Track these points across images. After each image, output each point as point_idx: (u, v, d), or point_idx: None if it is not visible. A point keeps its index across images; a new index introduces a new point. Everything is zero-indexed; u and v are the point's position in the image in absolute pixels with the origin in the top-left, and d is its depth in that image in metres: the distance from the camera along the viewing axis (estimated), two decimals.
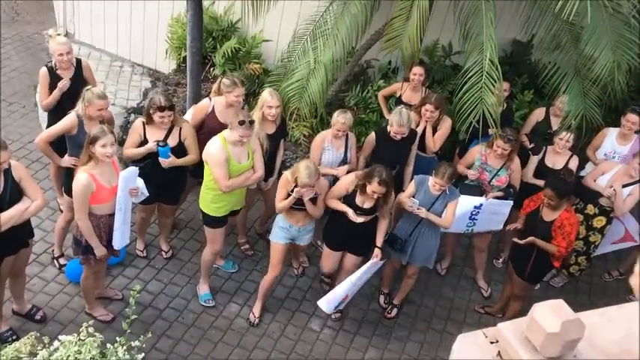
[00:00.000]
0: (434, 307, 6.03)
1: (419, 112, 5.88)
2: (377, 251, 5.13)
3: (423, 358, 5.44)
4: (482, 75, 5.19)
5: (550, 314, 1.43)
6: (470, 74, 5.29)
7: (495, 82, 5.18)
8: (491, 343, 1.52)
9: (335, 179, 5.53)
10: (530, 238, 5.15)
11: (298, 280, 6.04)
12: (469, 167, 5.77)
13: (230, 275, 5.89)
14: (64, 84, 5.45)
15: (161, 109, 5.02)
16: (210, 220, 5.21)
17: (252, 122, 4.87)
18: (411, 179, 5.72)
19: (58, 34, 5.71)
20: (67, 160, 5.10)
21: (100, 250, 4.66)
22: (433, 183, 5.10)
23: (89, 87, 5.05)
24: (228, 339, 5.31)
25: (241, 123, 4.76)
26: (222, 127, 5.21)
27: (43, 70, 5.57)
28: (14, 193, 4.31)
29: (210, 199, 5.09)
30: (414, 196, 5.22)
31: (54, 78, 5.51)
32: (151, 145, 5.09)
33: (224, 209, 5.18)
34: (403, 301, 5.89)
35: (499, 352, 1.54)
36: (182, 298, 5.60)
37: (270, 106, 5.28)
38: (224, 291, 5.74)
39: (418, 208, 5.11)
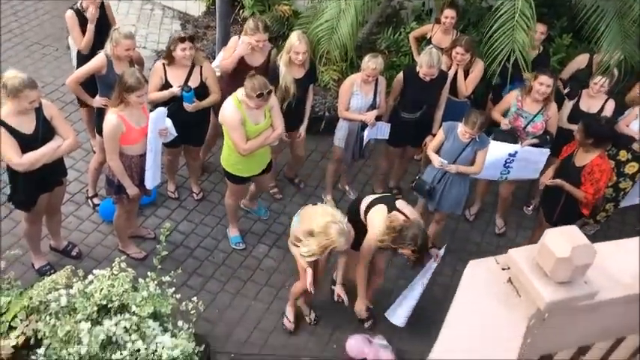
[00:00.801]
0: (460, 252, 6.03)
1: (450, 55, 5.74)
2: (434, 251, 4.85)
3: (449, 300, 5.47)
4: (515, 13, 5.01)
5: (561, 239, 1.42)
6: (502, 12, 5.12)
7: (529, 20, 5.01)
8: (503, 269, 1.51)
9: (363, 125, 5.49)
10: (559, 181, 5.09)
11: None
12: (504, 114, 5.65)
13: (259, 217, 5.97)
14: (92, 14, 5.43)
15: (182, 39, 5.02)
16: (233, 178, 5.18)
17: (269, 93, 4.72)
18: (441, 124, 5.67)
19: None
20: (97, 101, 5.19)
21: (132, 190, 4.77)
22: (463, 131, 5.00)
23: (116, 27, 5.08)
24: (257, 278, 5.44)
25: (259, 96, 4.63)
26: (248, 68, 5.20)
27: (70, 12, 5.58)
28: (46, 131, 4.40)
29: (233, 161, 5.03)
30: (442, 144, 5.16)
31: (82, 19, 5.53)
32: (174, 90, 5.11)
33: (248, 171, 5.13)
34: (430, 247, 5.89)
35: (510, 278, 1.54)
36: (212, 238, 5.72)
37: (297, 52, 5.18)
38: (253, 232, 5.84)
39: (448, 166, 5.05)
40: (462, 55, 5.64)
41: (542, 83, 5.31)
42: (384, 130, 5.62)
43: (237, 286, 5.35)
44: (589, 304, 1.50)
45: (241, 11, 7.19)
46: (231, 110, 4.75)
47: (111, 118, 4.52)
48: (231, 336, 4.96)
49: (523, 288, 1.49)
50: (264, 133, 4.92)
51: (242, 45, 5.29)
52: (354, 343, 4.83)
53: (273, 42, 7.18)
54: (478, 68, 5.82)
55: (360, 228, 4.62)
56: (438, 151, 5.22)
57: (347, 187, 6.42)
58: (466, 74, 5.82)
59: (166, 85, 5.15)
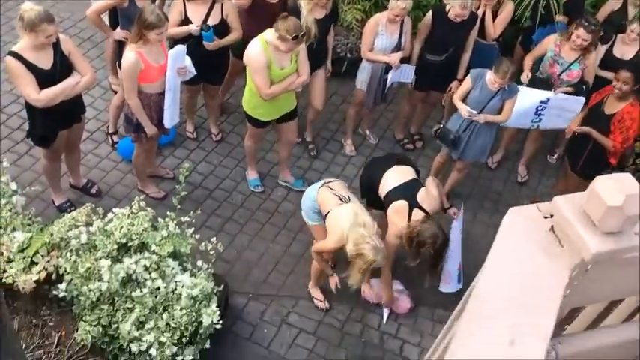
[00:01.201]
0: (482, 199, 5.96)
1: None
2: (453, 210, 4.75)
3: (469, 246, 5.42)
4: None
5: (613, 187, 1.34)
6: None
7: None
8: (545, 218, 1.43)
9: (387, 67, 5.33)
10: (586, 128, 4.95)
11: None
12: (540, 59, 5.43)
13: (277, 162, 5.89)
14: None
15: None
16: (253, 122, 5.07)
17: (304, 35, 4.52)
18: (468, 69, 5.49)
19: None
20: (118, 33, 5.08)
21: (150, 129, 4.71)
22: (492, 80, 4.81)
23: None
24: (275, 221, 5.42)
25: (295, 38, 4.43)
26: (266, 3, 5.08)
27: None
28: (64, 67, 4.33)
29: (254, 104, 4.90)
30: (469, 92, 4.99)
31: None
32: (194, 29, 4.97)
33: (268, 115, 5.00)
34: (449, 195, 5.82)
35: (552, 226, 1.46)
36: (231, 180, 5.69)
37: None
38: (272, 175, 5.78)
39: (476, 116, 4.91)
40: None
41: (579, 37, 5.07)
42: (408, 73, 5.46)
43: (256, 228, 5.34)
44: (633, 256, 1.42)
45: None
46: (258, 52, 4.57)
47: (129, 56, 4.42)
48: (249, 276, 4.99)
49: (567, 237, 1.41)
50: (289, 78, 4.76)
51: None
52: (371, 287, 4.82)
53: None
54: (507, 9, 5.58)
55: (374, 198, 4.61)
56: (464, 100, 5.05)
57: (367, 132, 6.31)
58: (494, 16, 5.58)
59: (186, 21, 5.02)
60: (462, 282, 4.90)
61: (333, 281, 4.58)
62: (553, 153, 6.43)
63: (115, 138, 5.69)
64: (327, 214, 4.30)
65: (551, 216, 1.43)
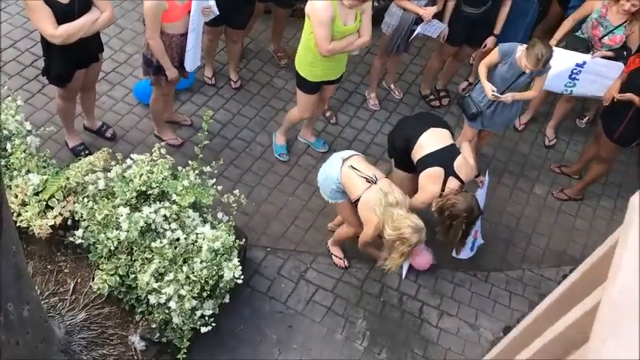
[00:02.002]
0: (507, 162, 5.77)
1: None
2: (479, 178, 4.59)
3: (492, 209, 5.27)
4: None
5: None
6: None
7: None
8: None
9: (417, 19, 5.06)
10: (630, 95, 4.70)
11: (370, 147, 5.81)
12: (583, 20, 5.11)
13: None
14: None
15: None
16: (304, 84, 4.71)
17: None
18: (504, 28, 5.23)
19: None
20: None
21: (171, 72, 4.49)
22: (524, 64, 4.37)
23: None
24: (295, 174, 5.25)
25: None
26: None
27: None
28: (83, 3, 4.07)
29: (309, 62, 4.55)
30: (497, 65, 4.61)
31: None
32: None
33: (322, 74, 4.66)
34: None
35: None
36: (250, 130, 5.49)
37: None
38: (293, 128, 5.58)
39: (502, 97, 4.55)
40: None
41: (629, 0, 4.74)
42: (437, 29, 5.17)
43: (275, 180, 5.17)
44: None
45: None
46: (325, 4, 4.20)
47: None
48: (268, 230, 4.85)
49: None
50: (349, 37, 4.42)
51: None
52: None
53: None
54: None
55: (406, 160, 4.40)
56: (490, 73, 4.68)
57: (392, 86, 6.07)
58: None
59: None
60: (475, 249, 4.78)
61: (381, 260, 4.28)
62: (583, 117, 6.20)
63: None
64: (356, 200, 4.08)
65: None
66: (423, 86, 6.06)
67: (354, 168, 4.11)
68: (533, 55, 4.28)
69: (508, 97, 4.58)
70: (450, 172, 4.15)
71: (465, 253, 4.73)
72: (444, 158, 4.19)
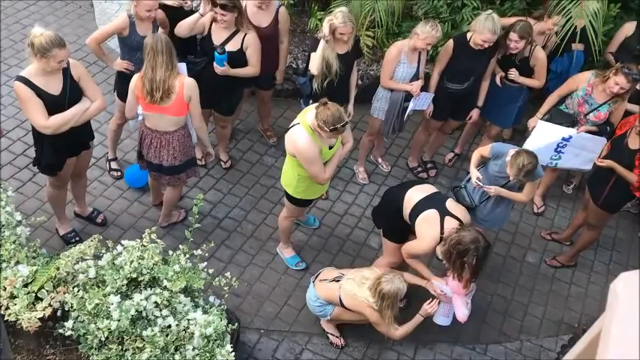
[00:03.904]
0: (497, 231, 5.77)
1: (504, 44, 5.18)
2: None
3: (484, 281, 5.26)
4: None
5: None
6: None
7: None
8: None
9: (407, 95, 5.20)
10: (610, 162, 4.78)
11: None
12: (569, 95, 5.22)
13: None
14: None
15: (214, 4, 4.75)
16: (298, 202, 4.67)
17: (345, 125, 4.06)
18: (495, 110, 5.35)
19: None
20: (118, 64, 4.89)
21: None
22: (508, 172, 4.30)
23: None
24: None
25: (333, 130, 4.01)
26: (258, 31, 5.01)
27: None
28: (74, 92, 4.18)
29: (305, 188, 4.50)
30: (487, 163, 4.60)
31: None
32: (202, 19, 4.86)
33: (320, 190, 4.70)
34: None
35: None
36: (241, 208, 5.51)
37: (342, 33, 4.76)
38: (283, 204, 5.60)
39: (487, 187, 4.47)
40: (516, 42, 5.05)
41: (618, 84, 4.83)
42: (426, 101, 5.32)
43: (267, 259, 5.15)
44: None
45: None
46: (308, 143, 4.14)
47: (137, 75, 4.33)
48: (261, 311, 4.79)
49: None
50: (337, 152, 4.39)
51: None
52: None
53: (306, 4, 6.90)
54: (539, 58, 5.27)
55: (399, 225, 4.40)
56: (485, 167, 4.65)
57: (380, 160, 6.17)
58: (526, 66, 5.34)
59: (208, 37, 4.96)
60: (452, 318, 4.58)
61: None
62: (569, 183, 6.29)
63: (114, 165, 5.52)
64: (340, 300, 4.29)
65: None
66: (411, 159, 6.15)
67: (322, 280, 4.42)
68: (516, 165, 4.23)
69: (491, 189, 4.47)
70: (444, 212, 4.16)
71: (448, 320, 4.52)
72: (434, 201, 4.24)
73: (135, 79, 4.35)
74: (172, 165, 4.60)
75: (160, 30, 4.94)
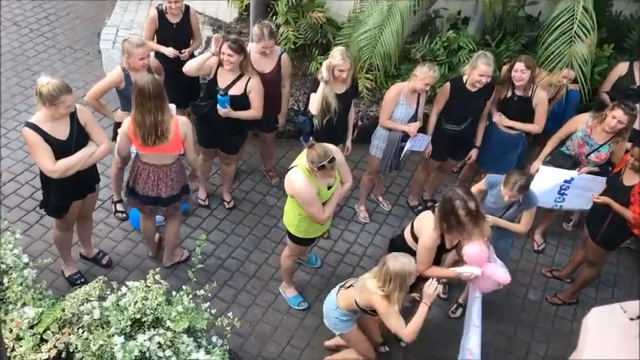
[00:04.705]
0: None
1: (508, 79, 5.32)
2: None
3: (489, 319, 5.26)
4: (572, 24, 4.79)
5: None
6: (557, 23, 4.90)
7: (589, 32, 4.78)
8: (632, 319, 1.32)
9: (404, 136, 5.32)
10: (606, 198, 4.85)
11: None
12: (568, 137, 5.32)
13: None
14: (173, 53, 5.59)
15: (225, 39, 4.97)
16: (300, 241, 4.77)
17: (332, 161, 4.16)
18: (493, 155, 5.47)
19: None
20: (119, 115, 5.08)
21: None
22: (503, 193, 4.49)
23: (126, 38, 4.95)
24: None
25: (321, 168, 4.14)
26: (261, 77, 5.18)
27: (153, 12, 5.64)
28: (80, 137, 4.31)
29: (306, 227, 4.59)
30: (484, 196, 4.70)
31: (162, 21, 5.59)
32: (209, 62, 5.04)
33: (322, 229, 4.79)
34: None
35: None
36: (243, 248, 5.59)
37: (341, 70, 4.95)
38: (285, 243, 5.67)
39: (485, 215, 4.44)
40: (522, 72, 5.11)
41: (615, 117, 4.92)
42: (423, 142, 5.45)
43: (269, 299, 5.20)
44: None
45: (274, 18, 7.05)
46: (305, 184, 4.26)
47: (127, 119, 4.48)
48: (263, 351, 4.82)
49: None
50: (336, 192, 4.48)
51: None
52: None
53: (307, 49, 7.11)
54: (541, 99, 5.35)
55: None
56: (482, 201, 4.71)
57: (380, 199, 6.26)
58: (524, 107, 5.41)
59: (213, 80, 5.12)
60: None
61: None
62: (569, 220, 6.35)
63: (119, 207, 5.64)
64: (356, 303, 4.13)
65: (639, 317, 1.31)
66: (411, 197, 6.24)
67: (348, 287, 4.25)
68: (510, 182, 4.40)
69: (489, 217, 4.50)
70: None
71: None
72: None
73: (126, 123, 4.45)
74: (171, 195, 4.72)
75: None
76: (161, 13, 5.64)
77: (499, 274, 4.24)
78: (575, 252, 5.75)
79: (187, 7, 5.76)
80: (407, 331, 4.01)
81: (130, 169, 4.74)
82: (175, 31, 5.63)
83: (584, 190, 5.25)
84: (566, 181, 5.23)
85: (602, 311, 1.41)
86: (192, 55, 5.68)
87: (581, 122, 5.25)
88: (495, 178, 4.67)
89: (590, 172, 5.23)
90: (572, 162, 5.29)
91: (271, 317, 5.06)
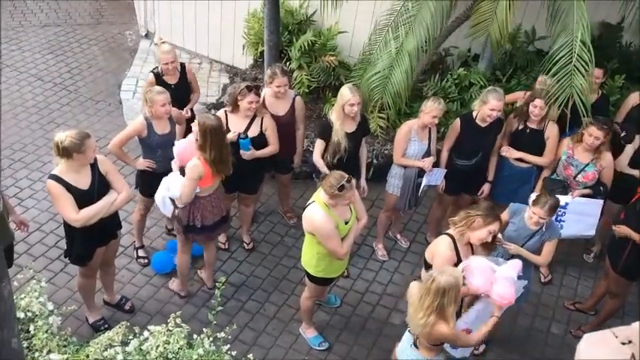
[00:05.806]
0: (525, 305, 5.77)
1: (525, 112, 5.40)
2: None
3: (510, 354, 5.23)
4: (571, 57, 4.90)
5: None
6: (557, 57, 5.02)
7: (587, 65, 4.89)
8: (623, 344, 1.35)
9: (420, 171, 5.40)
10: (625, 228, 4.83)
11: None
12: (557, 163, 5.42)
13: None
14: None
15: (249, 88, 5.13)
16: (319, 281, 4.78)
17: (349, 180, 4.21)
18: (505, 190, 5.52)
19: (163, 42, 5.85)
20: (141, 163, 5.24)
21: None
22: (531, 214, 4.48)
23: (149, 89, 5.16)
24: None
25: (341, 188, 4.15)
26: (275, 118, 5.39)
27: (150, 76, 5.80)
28: (101, 186, 4.45)
29: (325, 266, 4.60)
30: (506, 225, 4.68)
31: (160, 83, 5.66)
32: (231, 136, 5.16)
33: (340, 268, 4.79)
34: None
35: (633, 354, 1.38)
36: (263, 290, 5.64)
37: (352, 104, 5.06)
38: (304, 284, 5.71)
39: (506, 244, 4.52)
40: (542, 108, 5.22)
41: (591, 135, 5.09)
42: (439, 176, 5.51)
43: (290, 340, 5.22)
44: None
45: (288, 63, 7.25)
46: (324, 219, 4.29)
47: (197, 163, 4.66)
48: None
49: None
50: (353, 228, 4.51)
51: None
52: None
53: (320, 92, 7.27)
54: (552, 133, 5.43)
55: None
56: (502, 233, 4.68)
57: (399, 236, 6.29)
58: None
59: (227, 130, 5.22)
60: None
61: None
62: (589, 252, 6.30)
63: (141, 252, 5.74)
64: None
65: (630, 342, 1.35)
66: (429, 234, 6.26)
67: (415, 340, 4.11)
68: (540, 201, 4.47)
69: (511, 246, 4.54)
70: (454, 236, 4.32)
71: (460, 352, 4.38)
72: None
73: (196, 170, 4.62)
74: (225, 215, 5.17)
75: (178, 127, 5.29)
76: (158, 76, 5.72)
77: (504, 294, 4.10)
78: (598, 283, 5.69)
79: (183, 65, 5.92)
80: (473, 340, 4.07)
81: (189, 210, 4.84)
82: (174, 92, 5.52)
83: (580, 215, 5.26)
84: (561, 207, 5.20)
85: (593, 336, 1.45)
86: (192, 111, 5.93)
87: (563, 146, 5.39)
88: (519, 206, 4.72)
89: (583, 196, 5.26)
90: (561, 186, 5.32)
91: (292, 358, 5.07)
